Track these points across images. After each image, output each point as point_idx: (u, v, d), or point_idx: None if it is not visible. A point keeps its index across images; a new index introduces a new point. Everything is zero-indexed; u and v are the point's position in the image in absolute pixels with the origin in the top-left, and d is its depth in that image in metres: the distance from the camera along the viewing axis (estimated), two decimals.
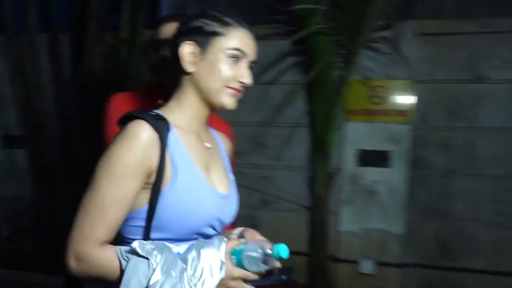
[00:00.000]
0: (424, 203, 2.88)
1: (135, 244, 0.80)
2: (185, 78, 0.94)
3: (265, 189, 3.11)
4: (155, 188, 0.85)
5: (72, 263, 0.84)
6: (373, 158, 2.83)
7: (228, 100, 0.93)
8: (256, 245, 0.85)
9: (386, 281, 2.85)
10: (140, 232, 0.87)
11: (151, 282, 0.77)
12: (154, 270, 0.78)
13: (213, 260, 0.81)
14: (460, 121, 2.80)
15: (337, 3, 2.49)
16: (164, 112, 0.92)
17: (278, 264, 0.87)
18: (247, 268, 0.83)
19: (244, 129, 2.98)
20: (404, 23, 2.69)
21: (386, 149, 2.81)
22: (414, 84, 2.78)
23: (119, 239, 0.89)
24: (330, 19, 2.62)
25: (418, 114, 2.84)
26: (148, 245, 0.81)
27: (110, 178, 0.83)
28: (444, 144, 2.84)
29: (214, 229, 0.94)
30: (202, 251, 0.82)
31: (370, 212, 2.87)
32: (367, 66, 2.73)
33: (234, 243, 0.87)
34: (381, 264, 2.85)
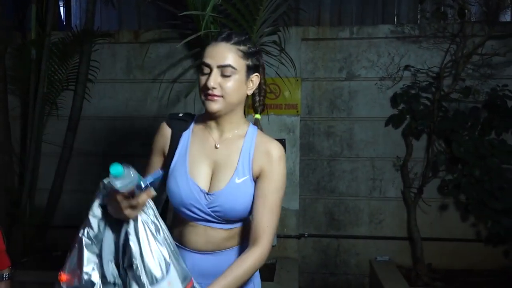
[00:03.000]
0: (314, 182, 3.21)
1: None
2: None
3: None
4: (166, 166, 1.19)
5: None
6: None
7: (206, 105, 1.14)
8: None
9: (287, 250, 3.13)
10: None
11: None
12: None
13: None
14: (339, 112, 3.16)
15: (227, 11, 2.58)
16: (199, 116, 1.25)
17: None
18: (123, 191, 0.94)
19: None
20: (289, 29, 2.96)
21: (281, 138, 3.06)
22: (301, 82, 3.10)
23: None
24: (222, 25, 2.71)
25: (305, 107, 3.18)
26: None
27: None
28: (327, 132, 3.19)
29: (194, 213, 1.15)
30: None
31: None
32: None
33: None
34: (282, 236, 3.11)
